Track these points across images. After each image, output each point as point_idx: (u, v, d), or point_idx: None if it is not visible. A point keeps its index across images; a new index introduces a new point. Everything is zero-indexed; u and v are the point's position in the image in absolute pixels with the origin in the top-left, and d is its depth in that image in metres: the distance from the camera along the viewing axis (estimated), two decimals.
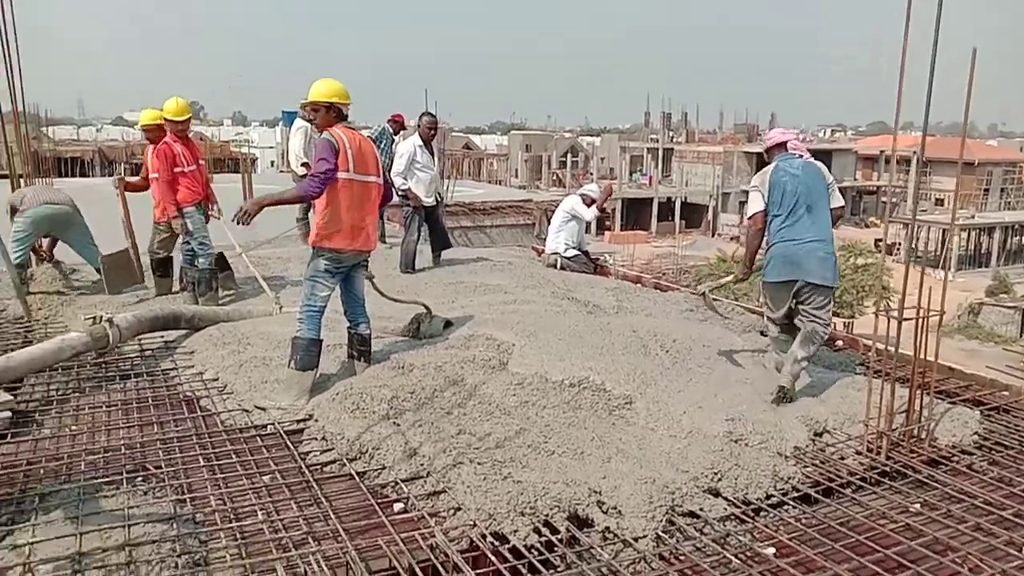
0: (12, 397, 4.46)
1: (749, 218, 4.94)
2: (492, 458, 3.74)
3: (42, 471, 3.77)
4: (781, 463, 3.93)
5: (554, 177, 53.34)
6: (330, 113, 4.65)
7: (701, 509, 3.48)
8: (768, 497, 3.66)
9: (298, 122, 9.49)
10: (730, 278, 5.87)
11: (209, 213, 6.95)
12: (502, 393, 4.50)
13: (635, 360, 4.97)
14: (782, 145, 4.99)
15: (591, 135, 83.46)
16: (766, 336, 6.20)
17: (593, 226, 9.68)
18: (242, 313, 6.37)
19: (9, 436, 4.17)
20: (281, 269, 8.28)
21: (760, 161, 49.20)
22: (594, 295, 7.24)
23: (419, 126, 8.39)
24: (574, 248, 9.29)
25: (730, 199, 49.11)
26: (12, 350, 5.31)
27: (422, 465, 3.73)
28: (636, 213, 47.27)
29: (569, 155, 58.17)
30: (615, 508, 3.40)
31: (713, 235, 45.76)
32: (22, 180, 8.29)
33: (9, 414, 4.27)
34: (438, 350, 5.18)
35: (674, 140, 57.07)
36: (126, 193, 7.18)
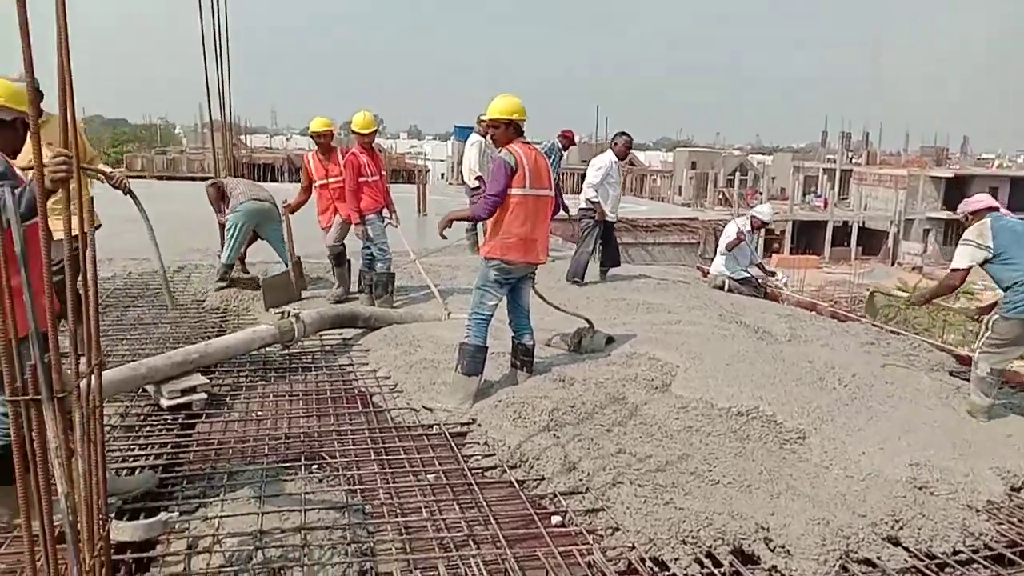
0: (208, 381, 4.88)
1: (952, 270, 4.93)
2: (653, 481, 3.65)
3: (230, 451, 4.10)
4: (972, 517, 3.57)
5: (720, 196, 51.82)
6: (509, 129, 4.75)
7: (879, 558, 3.21)
8: (955, 552, 3.33)
9: (473, 136, 9.80)
10: (905, 295, 5.56)
11: (388, 221, 7.30)
12: (664, 415, 4.40)
13: (810, 393, 4.71)
14: (989, 209, 4.92)
15: (762, 153, 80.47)
16: (955, 377, 5.71)
17: (760, 247, 9.38)
18: (414, 316, 6.65)
19: (204, 416, 4.56)
20: (450, 277, 8.56)
21: (949, 187, 45.62)
22: (765, 320, 6.94)
23: (615, 144, 8.50)
24: (743, 270, 8.98)
25: (913, 226, 45.64)
26: (209, 338, 5.83)
27: (581, 480, 3.71)
28: (808, 236, 44.95)
29: (737, 173, 56.32)
30: (783, 547, 3.21)
31: (893, 264, 42.64)
32: None
33: (205, 396, 4.68)
34: (599, 366, 5.15)
35: (853, 161, 53.88)
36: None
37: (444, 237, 5.05)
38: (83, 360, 2.45)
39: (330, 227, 7.48)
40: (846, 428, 4.30)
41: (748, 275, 9.07)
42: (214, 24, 7.95)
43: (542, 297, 5.52)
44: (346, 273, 7.65)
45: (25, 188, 2.63)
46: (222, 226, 7.79)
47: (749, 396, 4.62)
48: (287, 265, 7.67)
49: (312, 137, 7.45)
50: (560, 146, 9.93)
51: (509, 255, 4.67)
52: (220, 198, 7.84)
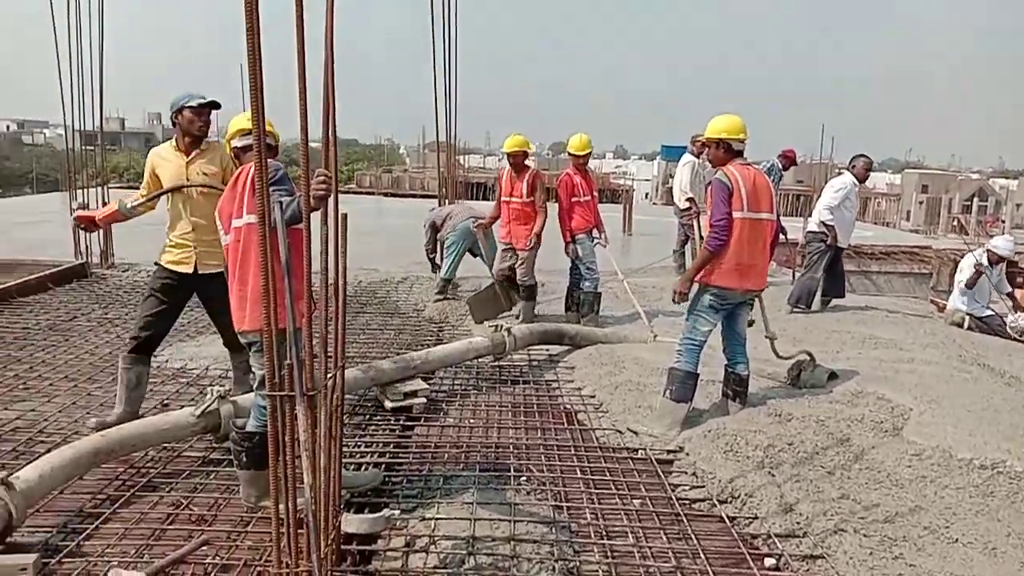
0: (427, 386, 5.16)
1: None
2: (881, 532, 3.36)
3: (446, 455, 4.30)
4: None
5: (955, 222, 46.99)
6: (720, 149, 4.60)
7: None
8: None
9: (686, 157, 9.64)
10: None
11: (597, 241, 7.34)
12: (895, 462, 4.03)
13: None
14: None
15: (1006, 177, 72.06)
16: None
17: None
18: (619, 337, 6.63)
19: (422, 420, 4.82)
20: (656, 298, 8.43)
21: None
22: (1012, 364, 6.17)
23: (853, 166, 8.06)
24: (984, 307, 8.07)
25: None
26: (428, 346, 6.16)
27: (798, 524, 3.49)
28: None
29: (976, 199, 50.88)
30: None
31: None
32: (445, 200, 9.63)
33: (424, 400, 4.94)
34: (820, 403, 4.83)
35: None
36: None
37: (686, 299, 4.68)
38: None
39: (510, 244, 7.32)
40: None
41: (991, 312, 8.14)
42: (445, 53, 8.49)
43: (775, 350, 5.25)
44: (534, 306, 7.43)
45: (294, 200, 2.92)
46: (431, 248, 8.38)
47: (995, 448, 4.13)
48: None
49: (506, 156, 7.43)
50: (780, 166, 9.51)
51: (724, 281, 4.50)
52: (435, 232, 8.40)
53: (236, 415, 3.96)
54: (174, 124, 4.28)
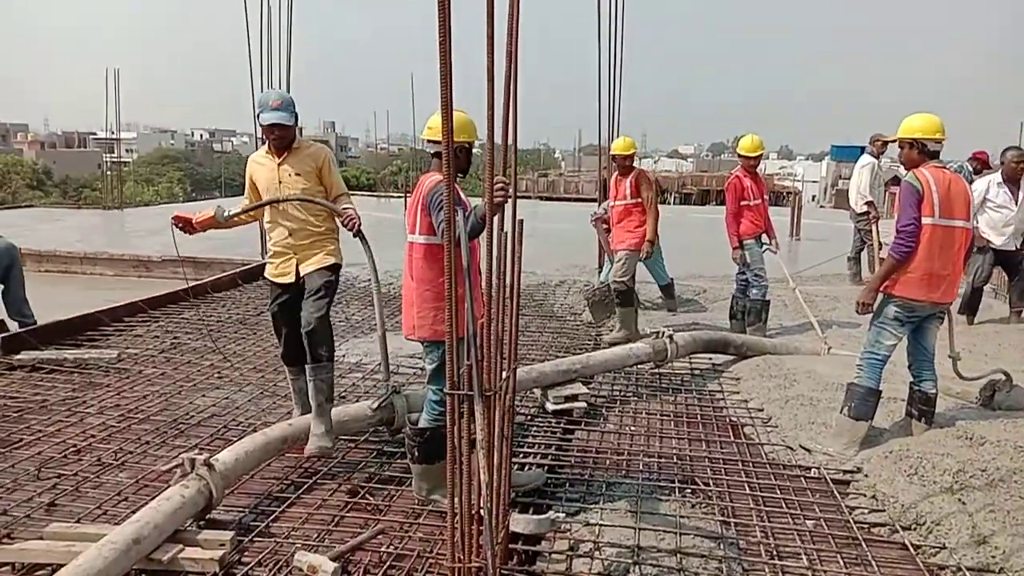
0: (587, 391, 5.17)
1: None
2: None
3: (607, 461, 4.29)
4: None
5: None
6: (913, 150, 4.29)
7: None
8: None
9: (865, 158, 9.09)
10: None
11: (767, 247, 7.07)
12: None
13: None
14: None
15: None
16: None
17: None
18: (789, 348, 6.35)
19: (583, 424, 4.83)
20: (829, 308, 8.01)
21: None
22: None
23: (1003, 163, 7.31)
24: None
25: None
26: (585, 350, 6.18)
27: (994, 558, 3.19)
28: None
29: None
30: None
31: None
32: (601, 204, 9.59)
33: (585, 405, 4.96)
34: (1018, 426, 4.39)
35: None
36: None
37: (864, 313, 4.42)
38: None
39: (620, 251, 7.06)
40: None
41: None
42: (610, 53, 8.48)
43: (957, 372, 4.83)
44: (634, 314, 6.99)
45: (474, 210, 3.04)
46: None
47: None
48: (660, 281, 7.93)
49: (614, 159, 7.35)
50: (970, 169, 8.75)
51: (911, 292, 4.19)
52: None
53: (410, 409, 4.16)
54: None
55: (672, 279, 8.14)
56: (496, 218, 2.68)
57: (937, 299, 4.22)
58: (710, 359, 6.23)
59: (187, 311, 7.77)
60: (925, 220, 4.12)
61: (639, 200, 7.02)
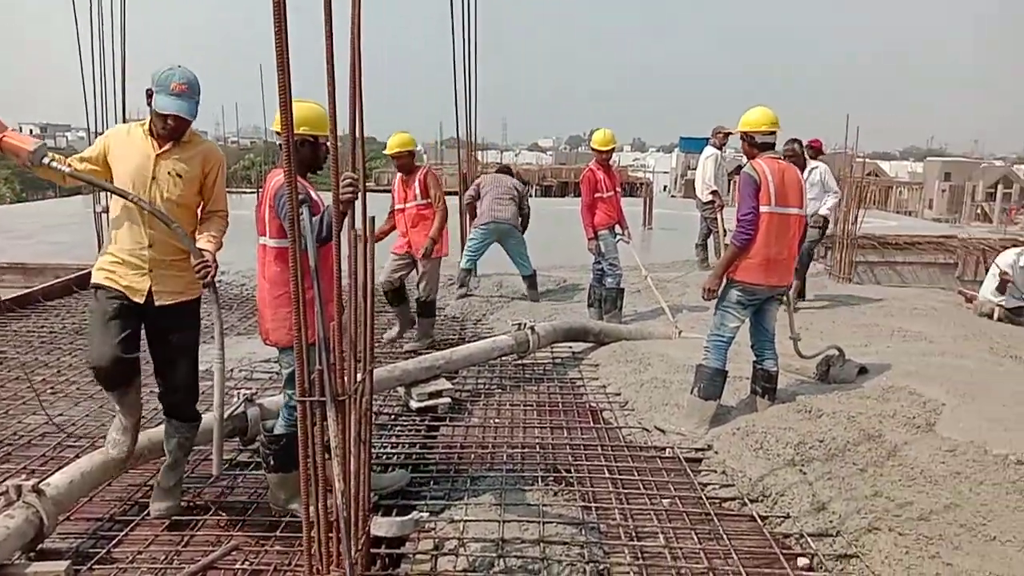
0: (452, 386, 5.14)
1: None
2: (916, 531, 3.29)
3: (472, 456, 4.28)
4: None
5: (978, 211, 46.36)
6: (745, 142, 4.57)
7: None
8: None
9: (708, 149, 9.55)
10: None
11: (620, 237, 7.29)
12: (928, 458, 3.96)
13: None
14: None
15: None
16: None
17: None
18: (643, 333, 6.58)
19: (447, 420, 4.80)
20: (679, 294, 8.37)
21: None
22: None
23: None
24: (1016, 299, 7.92)
25: None
26: (450, 345, 6.15)
27: (831, 522, 3.44)
28: None
29: (1000, 186, 50.10)
30: None
31: None
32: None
33: (449, 400, 4.93)
34: (851, 398, 4.76)
35: None
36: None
37: (710, 299, 4.64)
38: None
39: (407, 253, 6.52)
40: None
41: (1023, 304, 7.99)
42: (464, 46, 8.46)
43: (798, 351, 5.18)
44: (433, 322, 6.63)
45: (324, 213, 2.92)
46: None
47: None
48: (525, 281, 8.20)
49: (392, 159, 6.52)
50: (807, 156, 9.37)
51: (751, 277, 4.45)
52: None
53: (264, 417, 3.97)
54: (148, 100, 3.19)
55: (535, 271, 8.26)
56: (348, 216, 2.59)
57: (775, 283, 4.50)
58: (570, 347, 6.35)
59: (14, 323, 7.10)
60: (762, 208, 4.36)
61: (429, 200, 6.33)
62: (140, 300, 3.21)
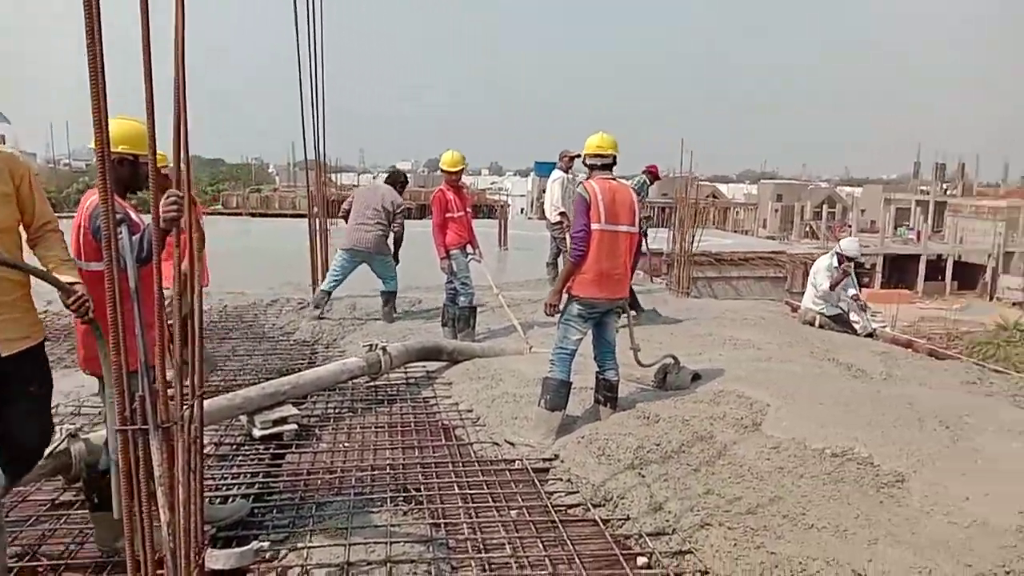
0: (298, 411, 5.01)
1: None
2: (743, 524, 3.53)
3: (319, 482, 4.18)
4: None
5: (807, 229, 50.46)
6: (585, 165, 4.83)
7: None
8: None
9: (556, 172, 9.86)
10: None
11: (472, 256, 7.39)
12: (755, 456, 4.26)
13: (909, 434, 4.48)
14: None
15: (851, 185, 78.11)
16: None
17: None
18: (496, 350, 6.69)
19: (294, 447, 4.67)
20: (531, 311, 8.57)
21: None
22: (859, 359, 6.67)
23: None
24: (834, 306, 8.68)
25: (1013, 259, 43.28)
26: (300, 369, 5.99)
27: (667, 521, 3.62)
28: (900, 270, 43.16)
29: (825, 206, 54.82)
30: None
31: (991, 299, 40.40)
32: (316, 219, 9.41)
33: (295, 427, 4.80)
34: (685, 403, 5.05)
35: (948, 192, 51.67)
36: None
37: (552, 315, 4.85)
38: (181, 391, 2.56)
39: None
40: (949, 472, 4.06)
41: (840, 311, 8.77)
42: (311, 67, 8.32)
43: (638, 360, 5.40)
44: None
45: (144, 232, 2.78)
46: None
47: (844, 437, 4.43)
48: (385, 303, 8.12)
49: None
50: (647, 181, 9.88)
51: (588, 291, 4.65)
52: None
53: (91, 454, 3.70)
54: None
55: (396, 291, 8.19)
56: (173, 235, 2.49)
57: (610, 295, 4.71)
58: (424, 367, 6.35)
59: None
60: (593, 226, 4.59)
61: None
62: None
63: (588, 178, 4.87)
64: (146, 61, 2.17)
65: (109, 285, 2.26)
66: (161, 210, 2.40)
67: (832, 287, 8.60)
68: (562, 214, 9.59)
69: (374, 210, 7.89)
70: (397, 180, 8.29)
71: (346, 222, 8.18)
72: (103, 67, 2.13)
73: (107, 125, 2.20)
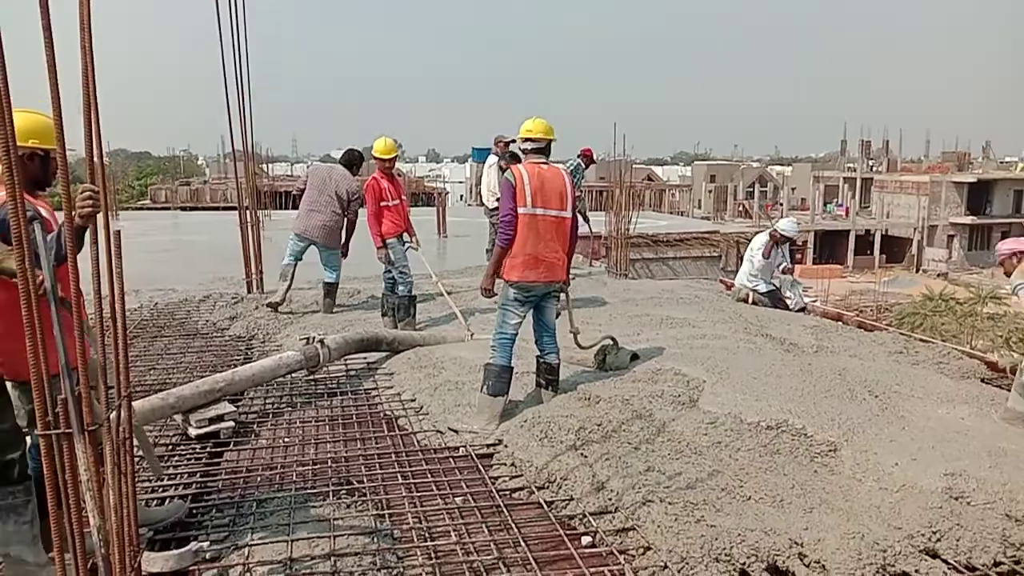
0: (235, 408, 4.90)
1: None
2: (683, 499, 3.60)
3: (259, 478, 4.11)
4: (1012, 527, 3.47)
5: (740, 208, 51.66)
6: (508, 149, 4.83)
7: (916, 571, 3.14)
8: (996, 564, 3.25)
9: (491, 158, 9.84)
10: None
11: (409, 244, 7.33)
12: (693, 431, 4.35)
13: (839, 404, 4.65)
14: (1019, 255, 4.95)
15: (781, 164, 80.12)
16: (988, 385, 5.60)
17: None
18: (437, 339, 6.66)
19: (232, 444, 4.58)
20: (472, 298, 8.56)
21: (972, 191, 45.14)
22: (791, 332, 6.87)
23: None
24: (767, 283, 8.90)
25: (937, 232, 45.18)
26: (235, 365, 5.86)
27: (610, 500, 3.67)
28: (831, 246, 44.65)
29: (757, 185, 56.14)
30: (818, 563, 3.15)
31: (917, 271, 42.15)
32: (248, 212, 9.19)
33: (232, 424, 4.70)
34: (625, 383, 5.12)
35: (874, 169, 53.49)
36: None
37: (494, 294, 4.85)
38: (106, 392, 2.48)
39: None
40: (878, 439, 4.23)
41: (772, 287, 9.00)
42: (235, 57, 8.10)
43: (577, 342, 5.43)
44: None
45: (59, 231, 2.66)
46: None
47: (778, 410, 4.57)
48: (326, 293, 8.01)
49: None
50: (583, 165, 9.95)
51: (517, 275, 4.67)
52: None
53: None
54: None
55: (338, 281, 8.06)
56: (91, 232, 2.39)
57: (546, 279, 4.72)
58: (365, 358, 6.29)
59: None
60: (519, 210, 4.60)
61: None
62: None
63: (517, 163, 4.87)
64: (48, 52, 2.07)
65: (23, 285, 2.17)
66: (76, 205, 2.31)
67: (766, 255, 8.71)
68: (498, 199, 9.56)
69: (328, 196, 7.68)
70: (352, 161, 8.03)
71: (296, 204, 7.93)
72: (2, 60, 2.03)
73: (11, 119, 2.09)
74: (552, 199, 4.69)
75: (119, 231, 2.43)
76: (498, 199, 9.41)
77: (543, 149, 4.86)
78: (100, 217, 2.45)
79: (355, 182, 7.78)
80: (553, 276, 4.77)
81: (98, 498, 2.28)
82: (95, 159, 2.35)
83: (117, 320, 2.45)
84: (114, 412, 2.43)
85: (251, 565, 3.13)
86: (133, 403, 2.94)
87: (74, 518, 2.31)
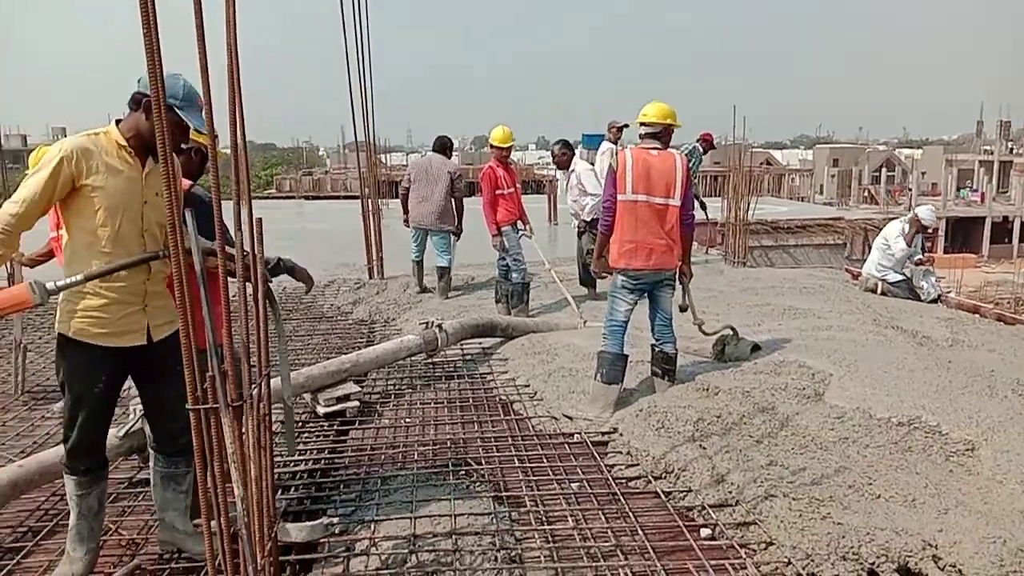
0: (360, 389, 5.11)
1: None
2: (808, 495, 3.49)
3: (383, 456, 4.27)
4: None
5: (865, 193, 49.07)
6: (619, 134, 4.79)
7: None
8: None
9: (605, 144, 9.76)
10: None
11: (523, 232, 7.39)
12: (818, 426, 4.19)
13: (978, 401, 4.36)
14: None
15: (910, 147, 75.56)
16: None
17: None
18: (550, 325, 6.70)
19: (357, 423, 4.77)
20: None
21: None
22: (924, 325, 6.50)
23: None
24: (898, 273, 8.43)
25: None
26: (359, 348, 6.10)
27: (730, 493, 3.60)
28: (964, 233, 41.74)
29: (884, 170, 53.17)
30: (954, 567, 2.98)
31: None
32: (369, 201, 9.50)
33: (358, 403, 4.89)
34: (745, 374, 4.98)
35: (1014, 152, 49.60)
36: None
37: (607, 274, 4.89)
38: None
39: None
40: (1021, 439, 3.95)
41: (902, 277, 8.51)
42: (358, 49, 8.37)
43: (694, 314, 5.32)
44: None
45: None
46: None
47: (910, 405, 4.34)
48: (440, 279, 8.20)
49: None
50: (701, 149, 9.72)
51: (624, 261, 4.63)
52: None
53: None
54: (136, 109, 2.78)
55: (450, 267, 8.24)
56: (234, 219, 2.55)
57: (655, 266, 4.63)
58: (480, 343, 6.40)
59: None
60: (619, 197, 4.55)
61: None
62: (141, 343, 2.89)
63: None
64: (202, 54, 2.20)
65: (176, 264, 2.33)
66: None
67: (908, 243, 8.22)
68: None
69: (433, 181, 7.87)
70: (445, 146, 8.23)
71: (405, 202, 8.18)
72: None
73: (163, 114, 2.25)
74: (658, 186, 4.60)
75: (260, 219, 2.57)
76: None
77: (658, 135, 4.75)
78: (244, 205, 2.60)
79: (452, 163, 8.06)
80: (661, 263, 4.66)
81: (242, 470, 2.43)
82: (239, 151, 2.50)
83: (259, 302, 2.60)
84: (255, 389, 2.59)
85: (377, 540, 3.25)
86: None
87: (220, 489, 2.48)
